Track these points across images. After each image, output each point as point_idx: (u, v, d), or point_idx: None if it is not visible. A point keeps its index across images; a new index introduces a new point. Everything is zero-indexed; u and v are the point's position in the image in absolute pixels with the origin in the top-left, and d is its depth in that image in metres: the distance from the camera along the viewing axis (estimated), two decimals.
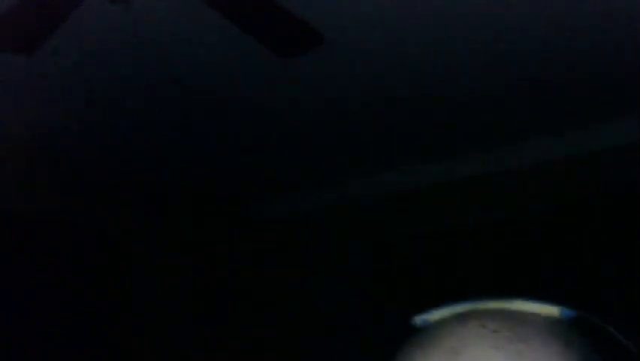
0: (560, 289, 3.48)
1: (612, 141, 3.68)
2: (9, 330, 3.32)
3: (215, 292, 4.37)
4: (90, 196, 3.84)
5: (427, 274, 4.11)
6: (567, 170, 3.81)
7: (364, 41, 2.85)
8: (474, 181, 4.03)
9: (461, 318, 0.74)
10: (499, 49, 2.96)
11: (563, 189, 3.82)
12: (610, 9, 2.69)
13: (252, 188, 4.47)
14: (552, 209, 3.81)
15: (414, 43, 2.89)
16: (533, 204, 3.88)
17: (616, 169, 3.67)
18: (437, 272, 4.08)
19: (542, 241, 3.81)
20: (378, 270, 4.28)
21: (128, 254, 3.94)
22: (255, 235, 4.65)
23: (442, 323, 0.75)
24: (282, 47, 2.35)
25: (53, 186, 3.67)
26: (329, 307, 4.39)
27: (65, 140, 3.61)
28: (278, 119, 3.56)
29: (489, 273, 3.85)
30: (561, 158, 3.83)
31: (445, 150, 3.98)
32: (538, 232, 3.84)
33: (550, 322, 0.72)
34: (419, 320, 0.78)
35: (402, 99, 3.39)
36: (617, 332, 0.73)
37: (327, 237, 4.46)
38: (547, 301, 0.73)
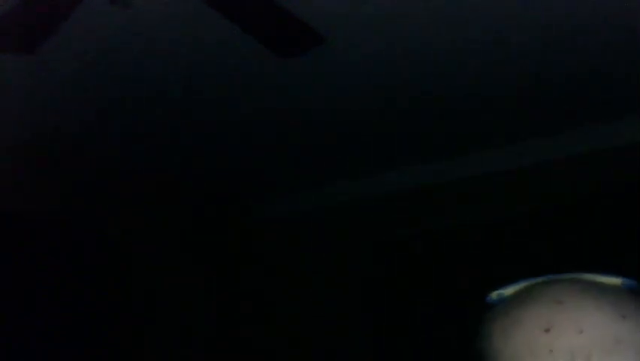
0: None
1: (612, 141, 3.68)
2: (9, 330, 3.32)
3: (214, 292, 4.36)
4: (90, 196, 3.84)
5: (427, 273, 4.11)
6: (567, 170, 3.82)
7: (364, 41, 2.85)
8: (474, 181, 4.04)
9: (547, 282, 0.79)
10: (499, 49, 2.96)
11: (563, 189, 3.82)
12: (610, 9, 2.69)
13: (252, 188, 4.47)
14: (552, 209, 3.81)
15: (414, 44, 2.89)
16: (533, 204, 3.88)
17: (616, 169, 3.67)
18: (437, 272, 4.08)
19: (542, 241, 3.81)
20: (378, 270, 4.28)
21: (128, 254, 3.94)
22: (255, 235, 4.65)
23: (526, 289, 0.79)
24: (282, 47, 2.35)
25: (53, 186, 3.67)
26: (328, 306, 4.39)
27: (65, 140, 3.61)
28: (278, 119, 3.56)
29: (490, 272, 3.85)
30: (561, 158, 3.83)
31: (445, 150, 3.98)
32: (538, 232, 3.84)
33: (621, 288, 0.79)
34: (495, 295, 0.83)
35: (402, 99, 3.39)
36: None
37: (327, 237, 4.46)
38: (609, 274, 0.80)
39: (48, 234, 3.62)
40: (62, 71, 2.96)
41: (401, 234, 4.23)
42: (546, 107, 3.52)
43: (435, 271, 4.08)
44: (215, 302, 4.35)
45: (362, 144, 3.90)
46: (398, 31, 2.79)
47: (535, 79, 3.24)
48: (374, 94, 3.33)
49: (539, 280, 0.80)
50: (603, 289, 0.76)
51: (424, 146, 3.93)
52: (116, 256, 3.89)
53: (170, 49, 2.85)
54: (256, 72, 3.05)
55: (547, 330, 0.72)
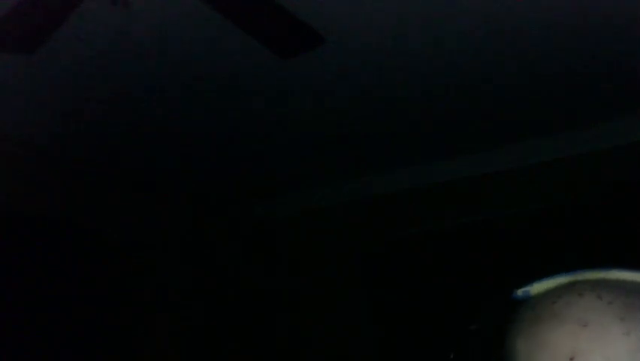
0: None
1: (612, 141, 3.68)
2: (9, 330, 3.32)
3: (215, 292, 4.37)
4: (90, 196, 3.84)
5: (428, 273, 4.11)
6: (567, 170, 3.82)
7: (364, 41, 2.85)
8: (474, 181, 4.04)
9: (572, 288, 0.76)
10: (500, 49, 2.96)
11: (563, 189, 3.82)
12: (610, 9, 2.69)
13: (252, 188, 4.47)
14: (552, 209, 3.81)
15: (414, 44, 2.89)
16: (533, 204, 3.88)
17: (616, 169, 3.68)
18: (437, 272, 4.08)
19: (542, 241, 3.82)
20: (378, 270, 4.28)
21: (128, 254, 3.94)
22: (255, 235, 4.65)
23: (551, 294, 0.77)
24: (282, 47, 2.35)
25: (53, 186, 3.67)
26: (329, 305, 4.39)
27: (65, 140, 3.61)
28: (278, 120, 3.56)
29: (490, 272, 3.85)
30: (561, 158, 3.84)
31: (445, 150, 3.98)
32: (537, 232, 3.84)
33: None
34: (521, 291, 0.80)
35: (402, 99, 3.39)
36: None
37: (328, 237, 4.46)
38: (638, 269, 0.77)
39: (48, 234, 3.62)
40: (62, 71, 2.96)
41: (401, 234, 4.23)
42: (546, 107, 3.52)
43: (435, 271, 4.09)
44: (215, 302, 4.35)
45: (362, 144, 3.90)
46: (398, 32, 2.79)
47: (536, 79, 3.24)
48: (374, 94, 3.33)
49: (565, 278, 0.78)
50: (631, 303, 0.73)
51: (424, 146, 3.93)
52: (116, 256, 3.89)
53: (170, 49, 2.85)
54: (256, 72, 3.05)
55: (571, 358, 0.71)
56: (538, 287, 0.80)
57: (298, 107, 3.42)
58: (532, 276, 0.82)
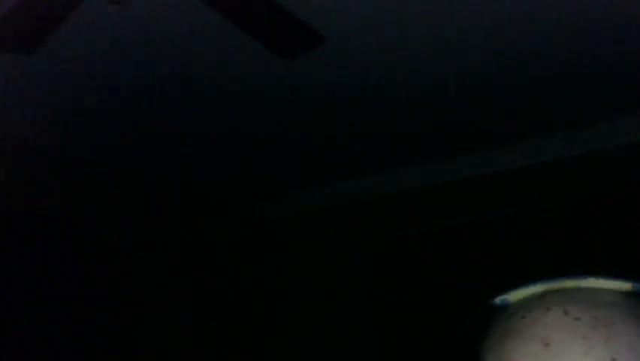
0: None
1: (612, 140, 3.68)
2: (9, 330, 3.32)
3: (215, 293, 4.36)
4: (90, 196, 3.84)
5: (428, 273, 4.11)
6: (567, 170, 3.82)
7: (364, 41, 2.85)
8: (473, 181, 4.04)
9: (542, 302, 0.76)
10: (500, 49, 2.96)
11: (563, 190, 3.82)
12: (610, 9, 2.69)
13: (252, 188, 4.47)
14: (552, 209, 3.81)
15: (414, 44, 2.89)
16: (533, 204, 3.88)
17: (616, 169, 3.67)
18: (437, 272, 4.08)
19: (541, 241, 3.81)
20: (378, 270, 4.27)
21: (128, 254, 3.93)
22: (255, 235, 4.65)
23: (523, 307, 0.77)
24: (282, 47, 2.35)
25: (53, 186, 3.67)
26: (329, 306, 4.39)
27: (65, 140, 3.61)
28: (278, 119, 3.56)
29: (490, 272, 3.85)
30: (561, 158, 3.83)
31: (445, 150, 3.98)
32: (538, 232, 3.84)
33: (627, 300, 0.75)
34: (499, 300, 0.81)
35: (402, 99, 3.39)
36: None
37: (328, 237, 4.46)
38: (617, 277, 0.76)
39: (48, 234, 3.62)
40: (62, 70, 2.96)
41: (401, 234, 4.23)
42: (546, 107, 3.52)
43: (435, 271, 4.08)
44: (215, 302, 4.35)
45: (362, 144, 3.90)
46: (398, 31, 2.79)
47: (536, 79, 3.24)
48: (374, 94, 3.33)
49: (541, 287, 0.78)
50: (598, 316, 0.73)
51: (424, 146, 3.93)
52: (116, 256, 3.89)
53: (170, 49, 2.85)
54: (256, 72, 3.05)
55: None
56: (515, 295, 0.80)
57: (298, 106, 3.42)
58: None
